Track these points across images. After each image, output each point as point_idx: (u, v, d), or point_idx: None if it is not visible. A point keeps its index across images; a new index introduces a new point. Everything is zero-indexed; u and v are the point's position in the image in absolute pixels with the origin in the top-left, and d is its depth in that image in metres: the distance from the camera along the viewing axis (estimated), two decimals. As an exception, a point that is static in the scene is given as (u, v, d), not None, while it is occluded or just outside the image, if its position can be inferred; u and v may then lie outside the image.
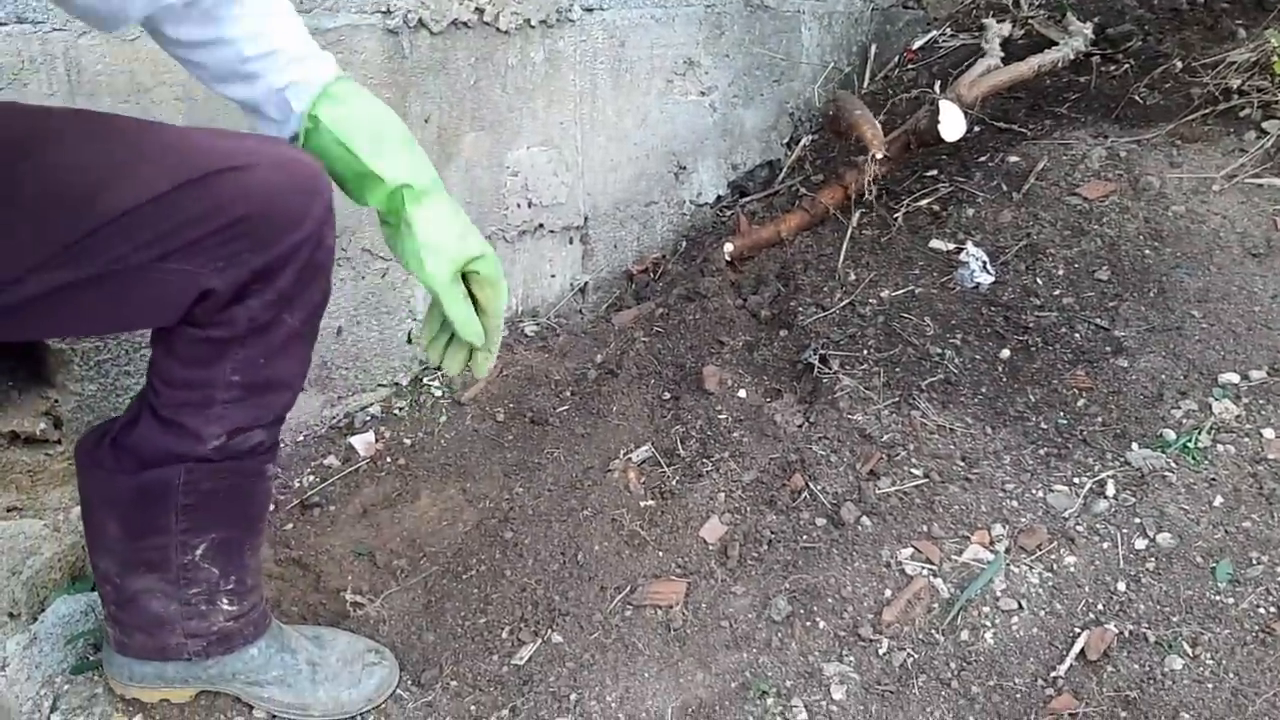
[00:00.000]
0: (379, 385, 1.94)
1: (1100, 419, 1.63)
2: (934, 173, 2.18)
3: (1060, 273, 1.86)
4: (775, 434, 1.73)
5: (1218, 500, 1.48)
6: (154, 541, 1.22)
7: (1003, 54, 2.21)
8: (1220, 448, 1.54)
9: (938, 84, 2.39)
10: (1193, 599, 1.37)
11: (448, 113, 1.84)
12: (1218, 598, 1.36)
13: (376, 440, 1.85)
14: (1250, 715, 1.23)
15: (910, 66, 2.55)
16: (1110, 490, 1.53)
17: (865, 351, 1.84)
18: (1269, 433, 1.55)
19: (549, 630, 1.47)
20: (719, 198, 2.37)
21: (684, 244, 2.29)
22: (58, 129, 1.04)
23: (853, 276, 2.00)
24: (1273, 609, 1.34)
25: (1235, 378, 1.63)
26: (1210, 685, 1.27)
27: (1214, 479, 1.51)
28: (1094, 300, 1.81)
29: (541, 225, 2.07)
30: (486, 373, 1.16)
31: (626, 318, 2.10)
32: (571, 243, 2.14)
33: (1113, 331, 1.75)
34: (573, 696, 1.38)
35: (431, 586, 1.57)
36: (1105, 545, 1.46)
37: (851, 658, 1.38)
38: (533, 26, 1.89)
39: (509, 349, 2.03)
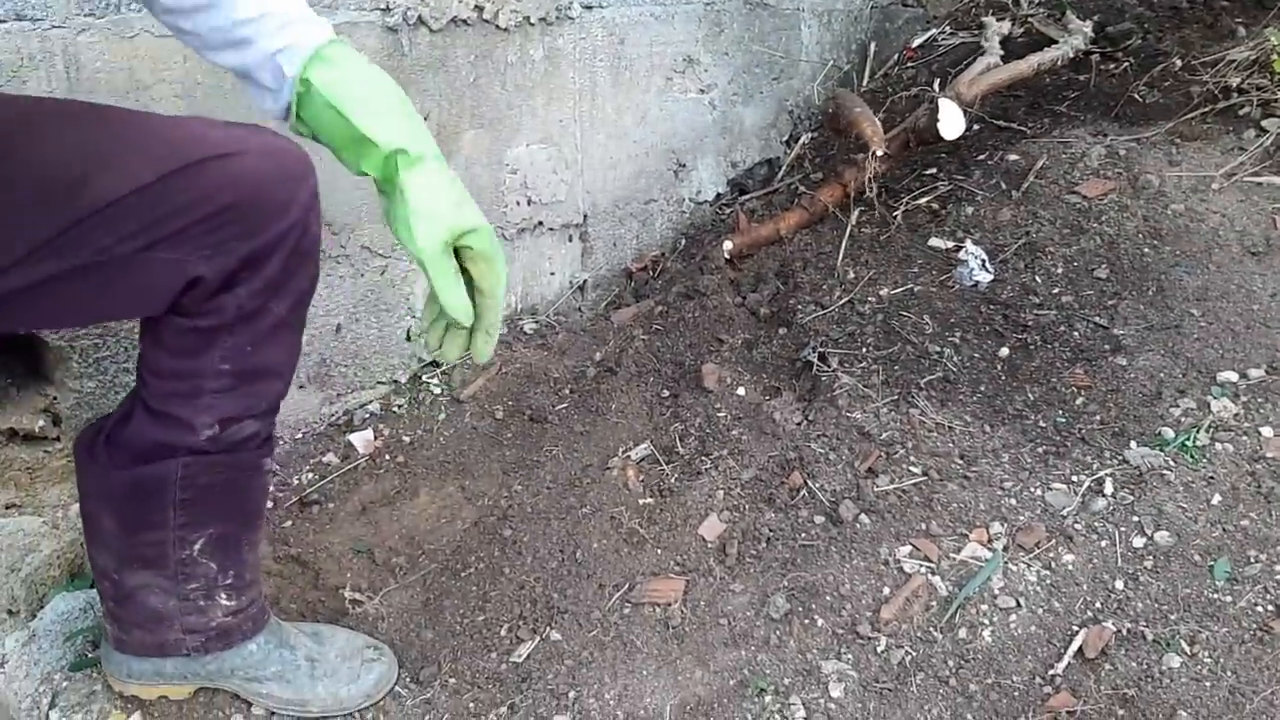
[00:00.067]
0: (378, 383, 1.94)
1: (1099, 417, 1.63)
2: (933, 171, 2.18)
3: (1059, 271, 1.87)
4: (774, 432, 1.73)
5: (1216, 499, 1.48)
6: (151, 536, 1.22)
7: (1002, 52, 2.21)
8: (1219, 446, 1.55)
9: (937, 82, 2.39)
10: (1190, 597, 1.37)
11: (447, 110, 1.84)
12: (1215, 596, 1.36)
13: (375, 438, 1.85)
14: (1248, 713, 1.23)
15: (910, 64, 2.55)
16: (1108, 488, 1.53)
17: (864, 349, 1.84)
18: (1267, 431, 1.55)
19: (547, 628, 1.47)
20: (718, 195, 2.37)
21: (683, 242, 2.29)
22: (43, 120, 1.04)
23: (852, 274, 2.00)
24: (1270, 607, 1.34)
25: (1234, 376, 1.63)
26: (1208, 683, 1.27)
27: (1212, 477, 1.51)
28: (1093, 298, 1.81)
29: (541, 223, 2.07)
30: (486, 358, 1.10)
31: (626, 315, 2.10)
32: (571, 240, 2.14)
33: (1111, 330, 1.75)
34: (571, 694, 1.38)
35: (430, 584, 1.57)
36: (1103, 543, 1.46)
37: (850, 655, 1.39)
38: (532, 24, 1.89)
39: (508, 346, 2.03)
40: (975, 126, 2.22)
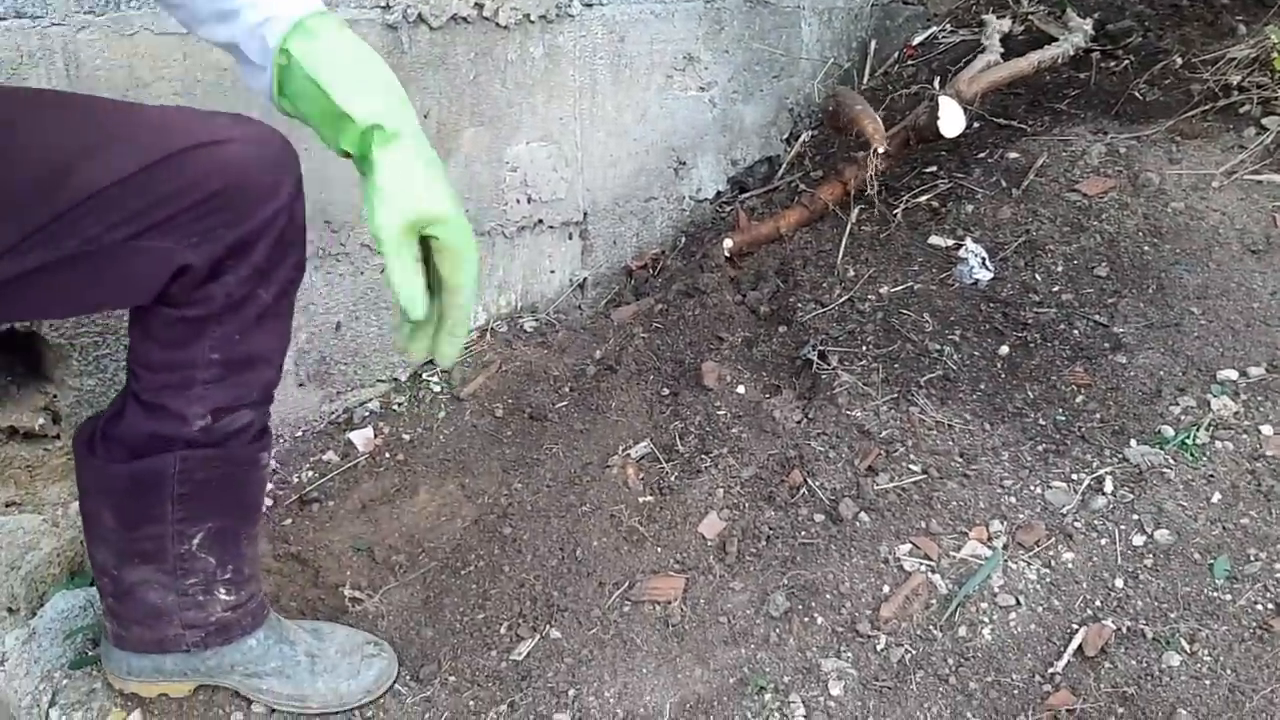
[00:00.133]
0: (378, 381, 1.94)
1: (1099, 415, 1.63)
2: (933, 169, 2.18)
3: (1059, 269, 1.86)
4: (774, 430, 1.73)
5: (1216, 497, 1.48)
6: (150, 531, 1.22)
7: (1002, 50, 2.21)
8: (1218, 444, 1.55)
9: (937, 80, 2.38)
10: (1190, 595, 1.37)
11: (447, 108, 1.84)
12: (1215, 594, 1.36)
13: (375, 436, 1.85)
14: (1247, 711, 1.23)
15: (910, 62, 2.55)
16: (1108, 487, 1.53)
17: (864, 348, 1.84)
18: (1267, 429, 1.55)
19: (547, 626, 1.48)
20: (718, 193, 2.37)
21: (683, 240, 2.29)
22: (27, 110, 1.04)
23: (852, 273, 2.00)
24: (1270, 605, 1.34)
25: (1234, 374, 1.63)
26: (1208, 681, 1.27)
27: (1212, 475, 1.51)
28: (1093, 297, 1.81)
29: (541, 221, 2.07)
30: (449, 362, 1.04)
31: (626, 313, 2.10)
32: (571, 238, 2.14)
33: (1111, 328, 1.74)
34: (571, 692, 1.38)
35: (430, 582, 1.57)
36: (1103, 541, 1.46)
37: (849, 654, 1.39)
38: (532, 21, 1.89)
39: (508, 345, 2.03)
40: (975, 124, 2.21)
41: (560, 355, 2.01)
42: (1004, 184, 2.04)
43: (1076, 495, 1.53)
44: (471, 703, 1.39)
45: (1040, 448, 1.61)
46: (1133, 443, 1.57)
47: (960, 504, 1.54)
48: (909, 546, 1.50)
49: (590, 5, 1.97)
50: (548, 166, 2.03)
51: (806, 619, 1.43)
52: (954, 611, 1.41)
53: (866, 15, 2.52)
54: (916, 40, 2.59)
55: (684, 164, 2.27)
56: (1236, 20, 2.27)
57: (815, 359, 1.83)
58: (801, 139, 2.45)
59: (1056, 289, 1.84)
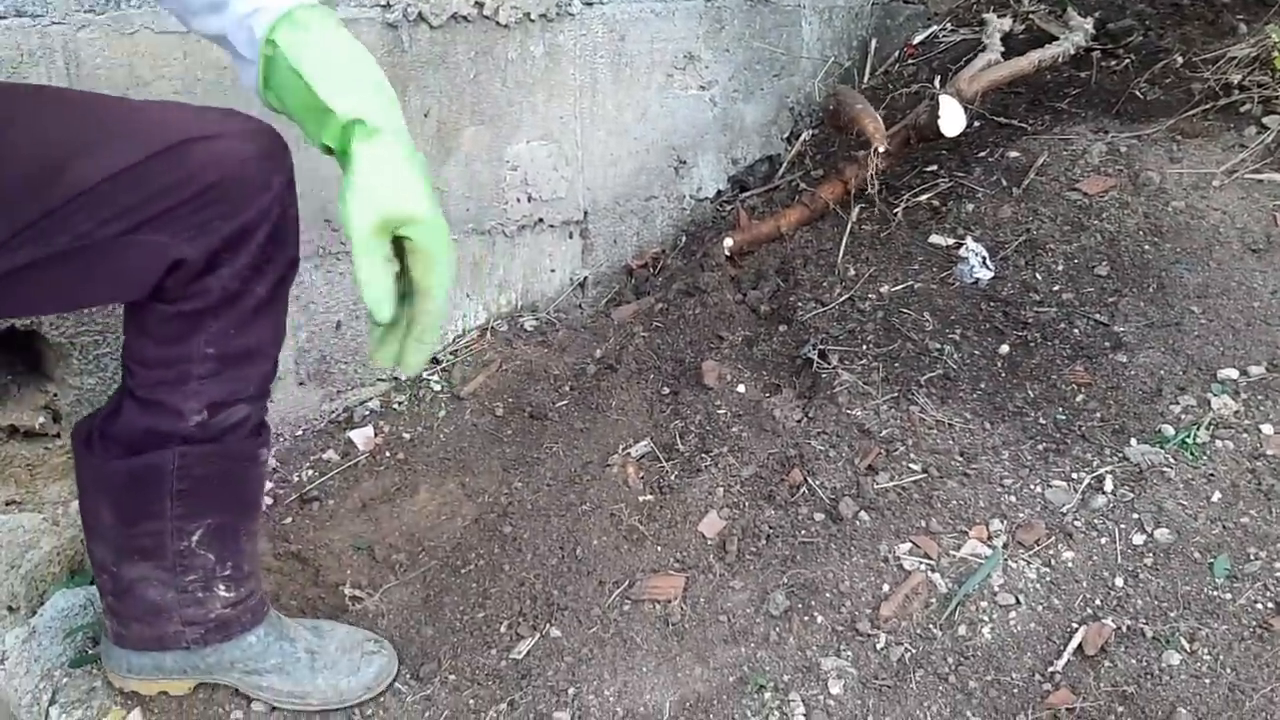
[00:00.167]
0: (378, 380, 1.94)
1: (1099, 414, 1.63)
2: (934, 168, 2.18)
3: (1060, 268, 1.86)
4: (774, 429, 1.73)
5: (1216, 496, 1.48)
6: (149, 527, 1.22)
7: (1003, 49, 2.20)
8: (1219, 443, 1.54)
9: (938, 79, 2.38)
10: (1190, 594, 1.37)
11: (447, 107, 1.84)
12: (1215, 593, 1.36)
13: (375, 435, 1.85)
14: (1247, 710, 1.23)
15: (910, 61, 2.54)
16: (1108, 486, 1.53)
17: (864, 347, 1.84)
18: (1267, 429, 1.55)
19: (547, 624, 1.48)
20: (719, 192, 2.37)
21: (684, 239, 2.29)
22: (20, 106, 1.04)
23: (852, 272, 2.00)
24: (1270, 604, 1.34)
25: (1234, 373, 1.63)
26: (1208, 680, 1.27)
27: (1212, 475, 1.51)
28: (1093, 296, 1.81)
29: (541, 220, 2.07)
30: (414, 370, 0.99)
31: (626, 313, 2.10)
32: (571, 237, 2.14)
33: (1112, 327, 1.74)
34: (571, 690, 1.39)
35: (430, 581, 1.57)
36: (1103, 540, 1.46)
37: (849, 652, 1.39)
38: (532, 20, 1.89)
39: (508, 344, 2.03)
40: (976, 123, 2.21)
41: (560, 354, 2.01)
42: (1004, 183, 2.04)
43: (1077, 494, 1.53)
44: (471, 701, 1.39)
45: (1040, 447, 1.61)
46: (1133, 442, 1.57)
47: (960, 503, 1.54)
48: (909, 545, 1.50)
49: (590, 4, 1.97)
50: (548, 165, 2.03)
51: (806, 618, 1.43)
52: (954, 610, 1.41)
53: (867, 14, 2.52)
54: (917, 39, 2.59)
55: (684, 163, 2.27)
56: (1237, 19, 2.27)
57: (815, 358, 1.83)
58: (802, 138, 2.45)
59: (1057, 288, 1.84)
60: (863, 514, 1.55)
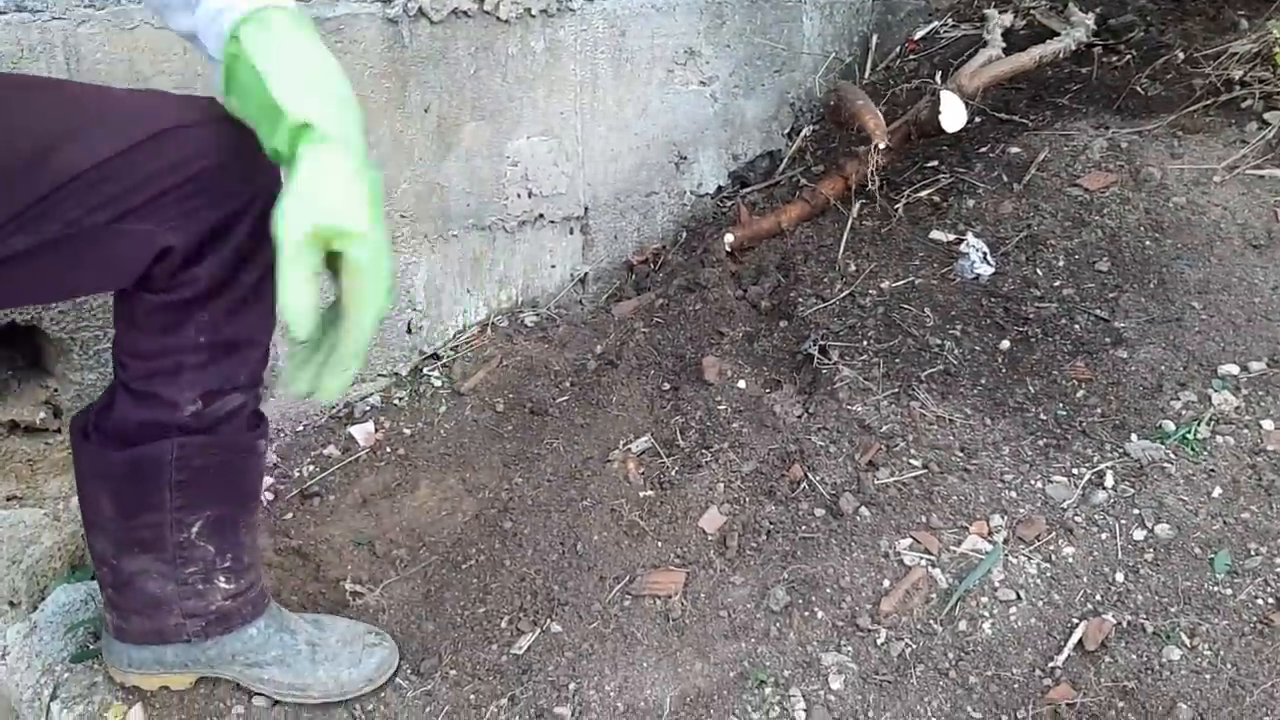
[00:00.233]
0: (379, 375, 1.94)
1: (1099, 410, 1.63)
2: (934, 163, 2.18)
3: (1060, 264, 1.86)
4: (774, 425, 1.73)
5: (1216, 491, 1.48)
6: (148, 519, 1.22)
7: (1004, 44, 2.20)
8: (1219, 439, 1.55)
9: (939, 74, 2.38)
10: (1191, 590, 1.37)
11: (448, 102, 1.84)
12: (1216, 589, 1.36)
13: (376, 430, 1.85)
14: (1248, 706, 1.23)
15: (911, 57, 2.54)
16: (1109, 481, 1.53)
17: (865, 342, 1.84)
18: (1268, 424, 1.55)
19: (548, 620, 1.48)
20: (719, 188, 2.37)
21: (684, 234, 2.29)
22: (7, 93, 1.03)
23: (853, 267, 2.00)
24: (1271, 600, 1.34)
25: (1235, 369, 1.63)
26: (1208, 676, 1.27)
27: (1213, 470, 1.51)
28: (1094, 291, 1.81)
29: (542, 215, 2.06)
30: (331, 398, 0.93)
31: (626, 308, 2.10)
32: (572, 233, 2.14)
33: (1112, 323, 1.74)
34: (571, 686, 1.39)
35: (431, 576, 1.57)
36: (1104, 536, 1.46)
37: (850, 647, 1.39)
38: (533, 15, 1.89)
39: (508, 339, 2.03)
40: (977, 119, 2.21)
41: (561, 350, 2.01)
42: (1005, 179, 2.03)
43: (1077, 490, 1.53)
44: (472, 696, 1.39)
45: (1041, 442, 1.61)
46: (1133, 437, 1.57)
47: (961, 498, 1.55)
48: (909, 541, 1.50)
49: (591, -1, 1.97)
50: (548, 161, 2.02)
51: (807, 613, 1.43)
52: (954, 606, 1.41)
53: (868, 9, 2.52)
54: (918, 35, 2.59)
55: (685, 159, 2.26)
56: (1238, 15, 2.26)
57: (816, 354, 1.83)
58: (803, 134, 2.45)
59: (1058, 284, 1.84)
60: (863, 509, 1.55)
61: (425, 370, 1.97)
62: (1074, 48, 2.22)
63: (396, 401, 1.91)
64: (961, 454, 1.61)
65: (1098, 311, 1.77)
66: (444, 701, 1.38)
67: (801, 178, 2.33)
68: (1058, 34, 2.24)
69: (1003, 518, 1.51)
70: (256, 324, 1.18)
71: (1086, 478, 1.54)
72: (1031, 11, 2.43)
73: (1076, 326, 1.76)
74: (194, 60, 1.53)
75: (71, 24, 1.41)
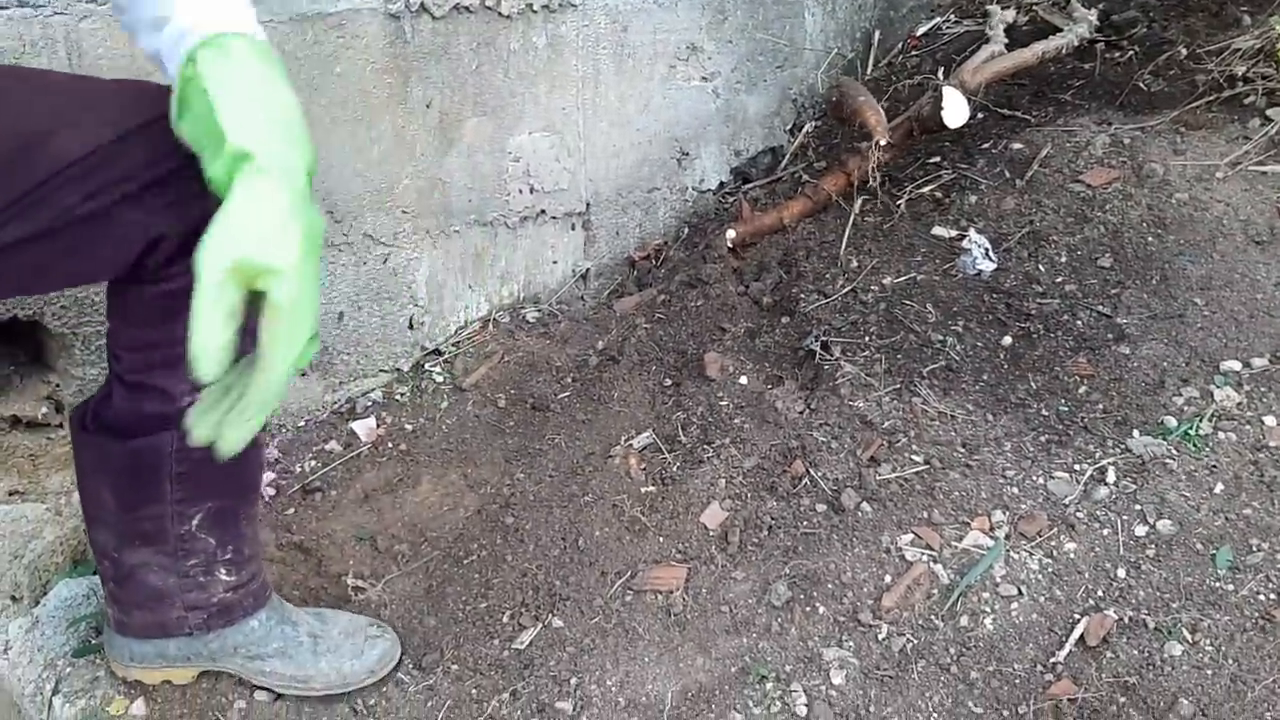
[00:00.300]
0: (380, 370, 1.94)
1: (1101, 406, 1.63)
2: (937, 159, 2.18)
3: (1063, 260, 1.86)
4: (776, 420, 1.73)
5: (1218, 487, 1.48)
6: (149, 512, 1.22)
7: (1007, 40, 2.20)
8: (1221, 435, 1.54)
9: (941, 70, 2.38)
10: (1193, 585, 1.37)
11: (449, 98, 1.84)
12: (1218, 584, 1.36)
13: (378, 425, 1.85)
14: (1249, 701, 1.23)
15: (914, 53, 2.54)
16: (1111, 477, 1.53)
17: (867, 338, 1.83)
18: (1270, 420, 1.55)
19: (550, 615, 1.48)
20: (721, 184, 2.36)
21: (686, 230, 2.29)
22: (2, 82, 1.03)
23: (855, 263, 1.99)
24: (1273, 596, 1.34)
25: (1237, 365, 1.63)
26: (1209, 671, 1.27)
27: (1215, 466, 1.51)
28: (1096, 287, 1.80)
29: (543, 211, 2.06)
30: (230, 449, 0.84)
31: (628, 304, 2.10)
32: (574, 229, 2.14)
33: (1115, 319, 1.74)
34: (573, 680, 1.39)
35: (433, 571, 1.58)
36: (1105, 532, 1.46)
37: (851, 643, 1.39)
38: (535, 11, 1.89)
39: (510, 335, 2.03)
40: (979, 115, 2.21)
41: (563, 346, 2.01)
42: (1008, 175, 2.03)
43: (1079, 485, 1.53)
44: (474, 691, 1.39)
45: (1043, 438, 1.61)
46: (1135, 433, 1.57)
47: (962, 494, 1.54)
48: (911, 536, 1.50)
49: (593, -5, 1.97)
50: (550, 157, 2.02)
51: (808, 608, 1.43)
52: (956, 601, 1.41)
53: (870, 5, 2.51)
54: (920, 30, 2.59)
55: (687, 154, 2.26)
56: (1241, 11, 2.26)
57: (818, 350, 1.83)
58: (805, 129, 2.45)
59: (1060, 280, 1.84)
60: (865, 505, 1.55)
61: (427, 366, 1.97)
62: (1076, 43, 2.22)
63: (398, 397, 1.91)
64: (963, 450, 1.61)
65: (1100, 307, 1.77)
66: (446, 696, 1.39)
67: (804, 174, 2.33)
68: (1060, 30, 2.24)
69: (1004, 513, 1.51)
70: (251, 314, 1.17)
71: (1088, 474, 1.54)
72: (1034, 7, 2.43)
73: (1079, 322, 1.76)
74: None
75: (73, 19, 1.41)
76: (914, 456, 1.61)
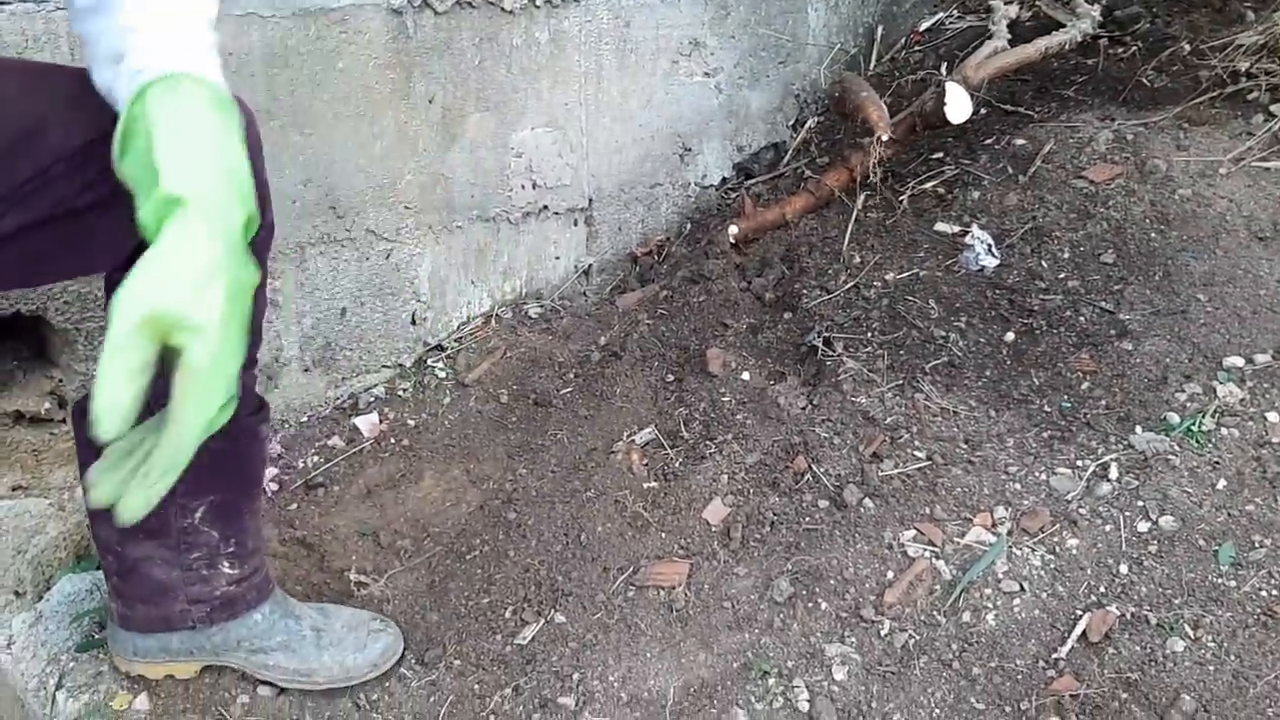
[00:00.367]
0: (383, 366, 1.94)
1: (1104, 402, 1.63)
2: (939, 155, 2.18)
3: (1065, 256, 1.86)
4: (778, 416, 1.73)
5: (1221, 483, 1.48)
6: None
7: (1010, 36, 2.20)
8: (1224, 431, 1.54)
9: (944, 66, 2.37)
10: (1195, 581, 1.37)
11: (452, 93, 1.84)
12: (1220, 580, 1.36)
13: (380, 421, 1.85)
14: (1251, 697, 1.23)
15: (917, 48, 2.54)
16: (1113, 473, 1.53)
17: (869, 334, 1.83)
18: (1273, 416, 1.55)
19: (552, 610, 1.48)
20: (724, 180, 2.36)
21: (688, 226, 2.29)
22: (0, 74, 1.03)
23: (857, 259, 1.99)
24: (1275, 592, 1.34)
25: (1240, 361, 1.63)
26: (1211, 667, 1.27)
27: (1217, 462, 1.51)
28: (1099, 283, 1.80)
29: (546, 207, 2.06)
30: (130, 516, 0.78)
31: (630, 300, 2.10)
32: (576, 224, 2.14)
33: (1117, 315, 1.74)
34: (575, 676, 1.39)
35: (435, 566, 1.58)
36: (1108, 528, 1.46)
37: (853, 639, 1.39)
38: (538, 6, 1.88)
39: (512, 331, 2.03)
40: (982, 111, 2.21)
41: (565, 341, 2.01)
42: (1010, 170, 2.03)
43: (1081, 481, 1.53)
44: (476, 686, 1.39)
45: (1045, 434, 1.61)
46: (1138, 429, 1.57)
47: (965, 490, 1.54)
48: (913, 532, 1.50)
49: (596, -10, 1.96)
50: (553, 152, 2.02)
51: (810, 604, 1.44)
52: (958, 597, 1.41)
53: (873, 1, 2.51)
54: (923, 26, 2.58)
55: (689, 150, 2.26)
56: (1245, 6, 2.26)
57: (820, 345, 1.83)
58: (807, 125, 2.44)
59: (1063, 276, 1.83)
60: (867, 501, 1.55)
61: (429, 361, 1.97)
62: (1080, 39, 2.21)
63: (401, 393, 1.91)
64: (966, 446, 1.61)
65: (1103, 303, 1.77)
66: (448, 691, 1.39)
67: (806, 169, 2.33)
68: (1063, 25, 2.23)
69: (1007, 509, 1.51)
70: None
71: (1091, 470, 1.54)
72: (1037, 3, 2.42)
73: (1081, 318, 1.76)
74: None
75: (76, 14, 1.41)
76: (916, 452, 1.61)
